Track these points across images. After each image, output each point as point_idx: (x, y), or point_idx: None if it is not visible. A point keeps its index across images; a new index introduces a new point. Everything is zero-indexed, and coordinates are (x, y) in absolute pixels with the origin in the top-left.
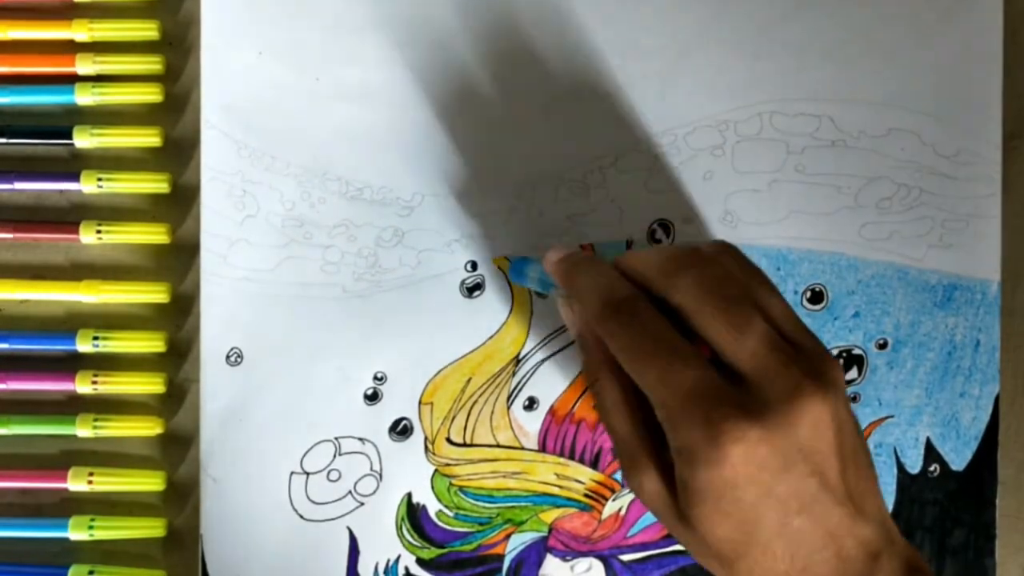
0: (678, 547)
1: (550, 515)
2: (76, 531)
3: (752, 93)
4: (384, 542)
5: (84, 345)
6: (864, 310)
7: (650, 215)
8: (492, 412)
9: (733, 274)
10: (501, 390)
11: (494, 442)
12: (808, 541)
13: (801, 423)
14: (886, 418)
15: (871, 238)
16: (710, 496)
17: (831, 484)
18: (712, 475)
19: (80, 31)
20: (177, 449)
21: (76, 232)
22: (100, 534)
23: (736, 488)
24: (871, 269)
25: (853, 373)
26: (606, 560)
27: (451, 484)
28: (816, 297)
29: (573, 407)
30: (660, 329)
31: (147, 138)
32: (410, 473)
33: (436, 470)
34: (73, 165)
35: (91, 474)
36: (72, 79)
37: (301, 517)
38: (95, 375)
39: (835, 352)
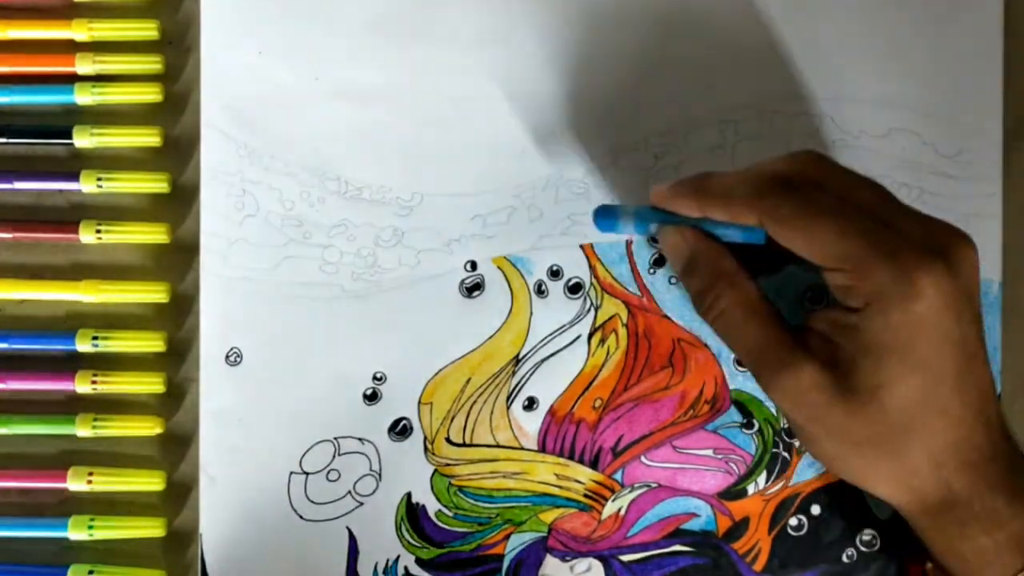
0: (678, 547)
1: (550, 515)
2: (76, 531)
3: (752, 93)
4: (383, 542)
5: (84, 345)
6: None
7: None
8: (491, 412)
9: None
10: (500, 390)
11: (493, 442)
12: (980, 393)
13: (968, 264)
14: None
15: None
16: (897, 348)
17: (981, 331)
18: (906, 316)
19: (80, 31)
20: (176, 449)
21: (76, 232)
22: (100, 534)
23: (924, 329)
24: None
25: None
26: (606, 560)
27: (450, 484)
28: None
29: (573, 407)
30: (827, 194)
31: (147, 138)
32: (409, 473)
33: (435, 470)
34: (73, 165)
35: (91, 474)
36: (72, 79)
37: (300, 517)
38: (95, 375)
39: None
